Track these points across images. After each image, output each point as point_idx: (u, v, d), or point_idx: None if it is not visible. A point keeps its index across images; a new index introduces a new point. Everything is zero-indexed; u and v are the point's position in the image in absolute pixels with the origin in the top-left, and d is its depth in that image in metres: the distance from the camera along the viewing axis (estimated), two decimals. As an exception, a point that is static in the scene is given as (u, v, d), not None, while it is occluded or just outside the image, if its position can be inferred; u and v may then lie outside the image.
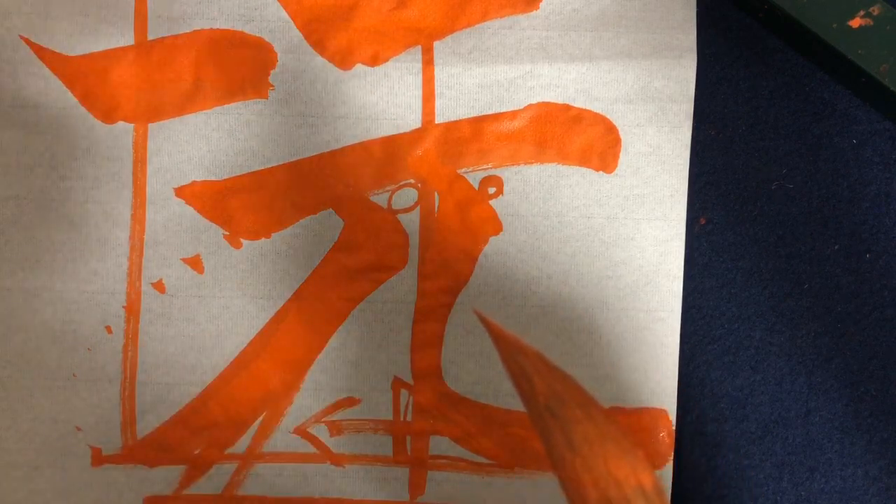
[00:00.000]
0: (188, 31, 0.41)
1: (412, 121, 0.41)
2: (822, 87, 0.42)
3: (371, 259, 0.41)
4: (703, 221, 0.42)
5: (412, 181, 0.41)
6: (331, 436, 0.41)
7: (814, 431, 0.41)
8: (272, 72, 0.41)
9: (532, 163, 0.41)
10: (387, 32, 0.41)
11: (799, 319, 0.42)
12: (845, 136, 0.42)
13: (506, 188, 0.41)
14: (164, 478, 0.41)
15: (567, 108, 0.41)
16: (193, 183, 0.41)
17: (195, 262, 0.41)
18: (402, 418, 0.41)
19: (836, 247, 0.42)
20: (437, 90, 0.41)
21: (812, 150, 0.42)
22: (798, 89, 0.42)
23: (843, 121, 0.42)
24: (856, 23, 0.39)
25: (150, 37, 0.41)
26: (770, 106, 0.42)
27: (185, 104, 0.41)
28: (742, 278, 0.42)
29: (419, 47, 0.41)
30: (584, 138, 0.41)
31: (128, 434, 0.41)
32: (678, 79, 0.41)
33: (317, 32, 0.41)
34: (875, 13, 0.38)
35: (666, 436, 0.41)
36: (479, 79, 0.41)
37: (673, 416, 0.41)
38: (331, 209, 0.41)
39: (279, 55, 0.41)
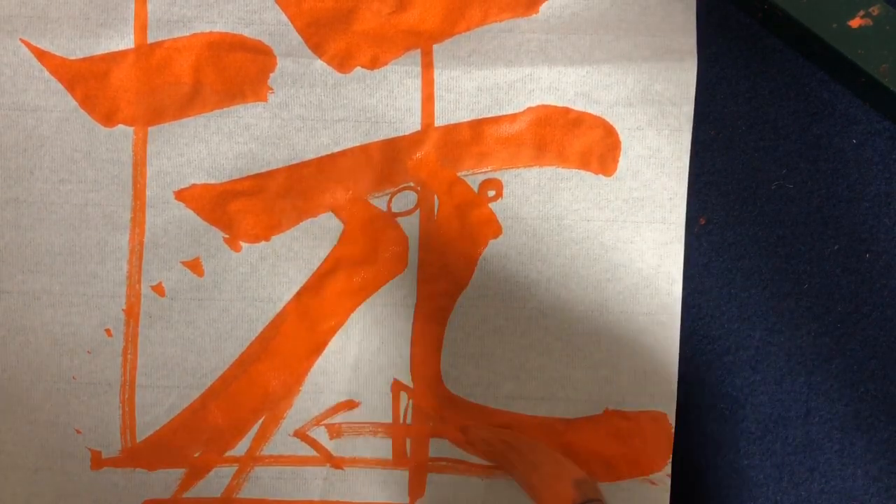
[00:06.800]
0: (188, 34, 0.41)
1: (411, 124, 0.41)
2: (822, 87, 0.42)
3: (371, 262, 0.41)
4: (703, 221, 0.42)
5: (412, 184, 0.41)
6: (330, 438, 0.41)
7: (814, 431, 0.41)
8: (271, 75, 0.41)
9: (532, 166, 0.41)
10: (386, 36, 0.41)
11: (799, 319, 0.42)
12: (845, 136, 0.42)
13: (505, 191, 0.41)
14: (164, 481, 0.41)
15: (567, 111, 0.41)
16: (193, 186, 0.41)
17: (195, 265, 0.41)
18: (401, 421, 0.41)
19: (836, 247, 0.42)
20: (437, 93, 0.41)
21: (812, 150, 0.42)
22: (798, 89, 0.42)
23: (843, 121, 0.42)
24: (856, 23, 0.39)
25: (150, 40, 0.41)
26: (770, 106, 0.42)
27: (185, 107, 0.41)
28: (742, 278, 0.42)
29: (418, 50, 0.41)
30: (584, 141, 0.41)
31: (127, 437, 0.41)
32: (678, 82, 0.40)
33: (316, 36, 0.41)
34: (875, 13, 0.38)
35: (665, 438, 0.41)
36: (479, 82, 0.41)
37: (672, 419, 0.41)
38: (330, 212, 0.41)
39: (278, 58, 0.41)
